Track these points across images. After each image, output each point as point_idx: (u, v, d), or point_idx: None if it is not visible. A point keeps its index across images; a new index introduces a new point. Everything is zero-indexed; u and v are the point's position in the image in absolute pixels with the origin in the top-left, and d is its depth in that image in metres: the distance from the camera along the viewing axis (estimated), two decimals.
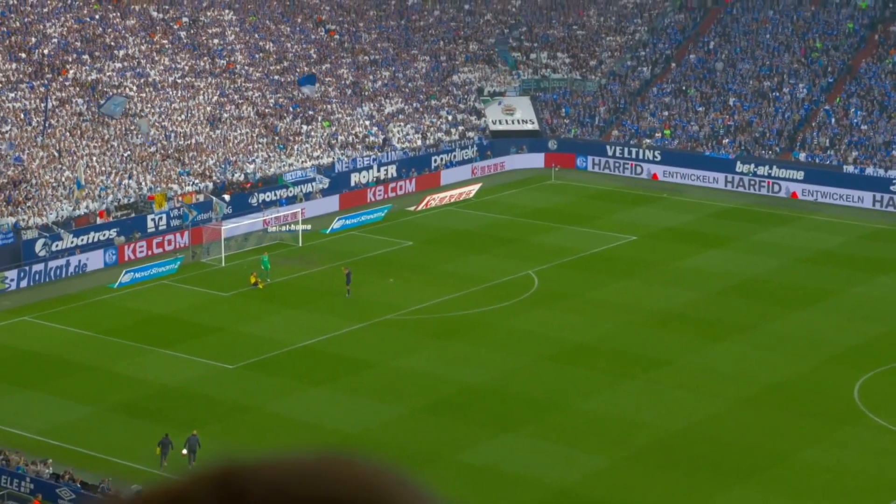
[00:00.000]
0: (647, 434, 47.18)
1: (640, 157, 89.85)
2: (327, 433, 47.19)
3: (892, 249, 71.77)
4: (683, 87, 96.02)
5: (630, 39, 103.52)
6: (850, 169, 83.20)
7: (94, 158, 75.69)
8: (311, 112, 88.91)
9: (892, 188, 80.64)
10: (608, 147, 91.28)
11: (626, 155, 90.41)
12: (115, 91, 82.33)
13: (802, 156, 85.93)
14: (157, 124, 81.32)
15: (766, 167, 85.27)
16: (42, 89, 79.53)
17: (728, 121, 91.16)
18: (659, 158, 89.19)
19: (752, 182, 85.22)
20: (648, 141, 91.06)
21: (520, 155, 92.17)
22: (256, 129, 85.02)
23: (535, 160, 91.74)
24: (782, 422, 48.27)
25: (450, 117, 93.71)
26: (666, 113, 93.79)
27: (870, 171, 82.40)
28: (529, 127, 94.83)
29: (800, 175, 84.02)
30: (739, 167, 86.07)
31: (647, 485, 43.26)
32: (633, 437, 46.91)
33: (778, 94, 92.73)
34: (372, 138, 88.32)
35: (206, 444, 45.99)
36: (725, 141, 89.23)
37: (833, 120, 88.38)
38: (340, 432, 47.29)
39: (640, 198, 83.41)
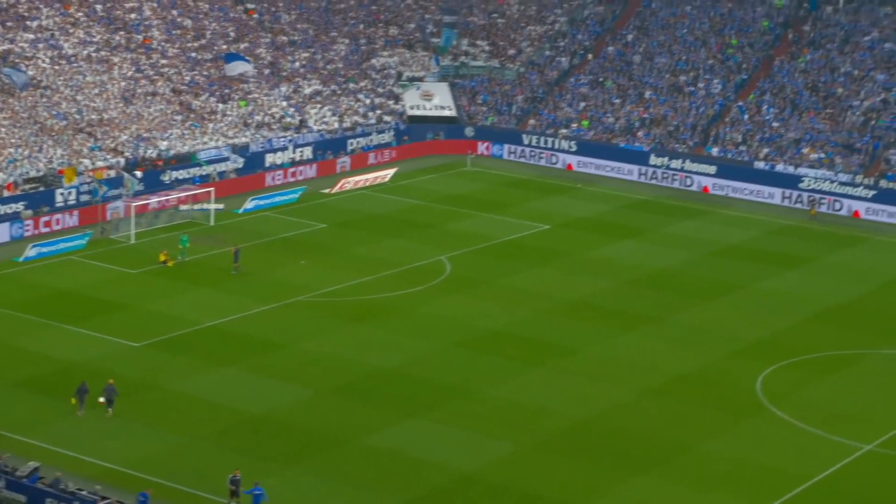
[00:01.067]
0: (553, 421, 47.38)
1: (556, 146, 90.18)
2: (233, 413, 46.88)
3: (800, 245, 72.69)
4: (601, 79, 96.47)
5: (550, 29, 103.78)
6: (760, 165, 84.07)
7: (4, 130, 74.54)
8: (227, 90, 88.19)
9: (800, 185, 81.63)
10: (525, 136, 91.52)
11: (542, 144, 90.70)
12: (26, 63, 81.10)
13: (715, 151, 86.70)
14: (69, 97, 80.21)
15: (680, 161, 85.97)
16: None
17: (643, 114, 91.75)
18: (574, 149, 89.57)
19: (666, 175, 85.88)
20: (565, 131, 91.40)
21: (437, 141, 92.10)
22: (171, 107, 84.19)
23: (453, 147, 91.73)
24: (686, 412, 48.70)
25: (368, 101, 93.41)
26: (583, 104, 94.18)
27: (780, 167, 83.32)
28: (447, 113, 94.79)
29: (712, 169, 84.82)
30: (653, 160, 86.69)
31: (551, 472, 43.43)
32: (539, 425, 47.08)
33: (693, 88, 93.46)
34: (288, 119, 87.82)
35: (108, 425, 45.55)
36: (640, 133, 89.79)
37: (746, 116, 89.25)
38: (246, 413, 46.99)
39: (555, 187, 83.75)
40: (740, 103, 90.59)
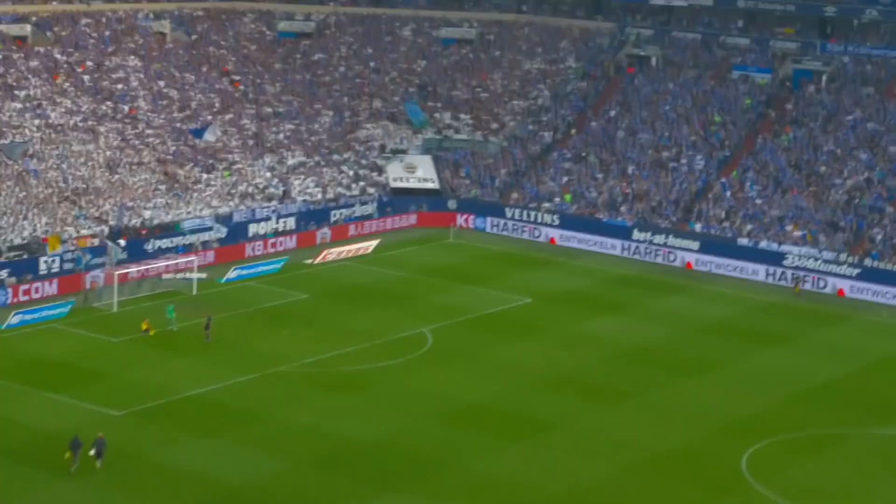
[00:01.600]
0: (533, 496, 47.16)
1: (539, 220, 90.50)
2: (212, 483, 46.61)
3: (784, 323, 72.79)
4: (584, 154, 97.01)
5: (533, 104, 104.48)
6: (744, 241, 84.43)
7: None
8: (211, 161, 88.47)
9: (784, 262, 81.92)
10: (507, 209, 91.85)
11: (524, 217, 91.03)
12: (13, 132, 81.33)
13: (698, 226, 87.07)
14: (55, 166, 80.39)
15: (663, 236, 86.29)
16: None
17: (626, 189, 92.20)
18: (557, 223, 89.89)
19: (649, 250, 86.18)
20: (548, 205, 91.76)
21: (419, 213, 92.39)
22: (156, 176, 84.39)
23: (436, 219, 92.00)
24: (669, 490, 48.50)
25: (351, 172, 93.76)
26: (566, 178, 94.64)
27: (763, 244, 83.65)
28: (430, 185, 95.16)
29: (695, 245, 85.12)
30: (636, 235, 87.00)
31: None
32: (519, 499, 46.85)
33: (676, 164, 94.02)
34: (272, 189, 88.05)
35: (87, 496, 45.26)
36: (623, 208, 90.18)
37: (729, 193, 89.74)
38: (225, 483, 46.73)
39: (538, 261, 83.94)
40: (723, 180, 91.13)
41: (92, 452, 47.35)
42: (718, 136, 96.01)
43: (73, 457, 47.11)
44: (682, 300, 76.38)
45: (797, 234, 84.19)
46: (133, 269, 71.28)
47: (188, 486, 46.33)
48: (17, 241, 72.27)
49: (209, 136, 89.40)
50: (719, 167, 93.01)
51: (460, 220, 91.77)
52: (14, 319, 63.92)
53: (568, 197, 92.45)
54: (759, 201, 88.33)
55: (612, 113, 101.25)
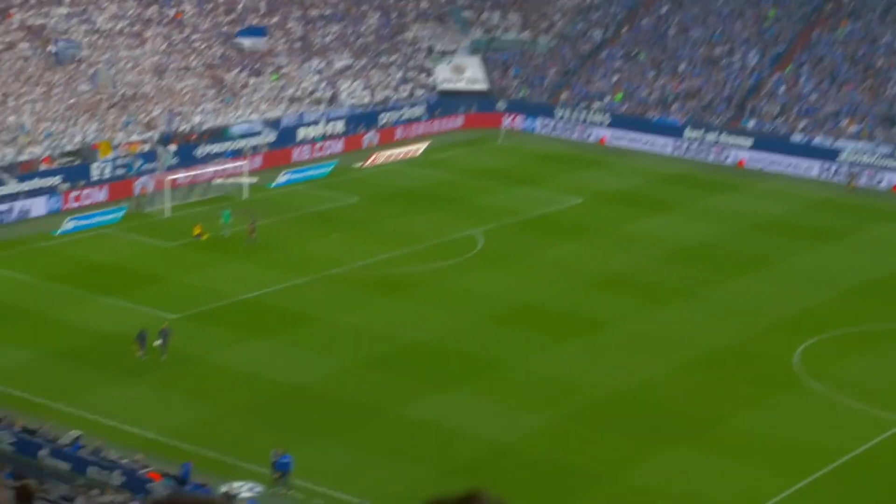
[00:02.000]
0: (586, 394, 47.37)
1: (589, 120, 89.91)
2: (268, 384, 47.07)
3: (836, 219, 72.28)
4: (634, 52, 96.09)
5: (582, 2, 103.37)
6: (798, 138, 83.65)
7: (40, 104, 74.84)
8: (258, 65, 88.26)
9: (839, 158, 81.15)
10: (557, 109, 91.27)
11: (575, 117, 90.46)
12: (61, 37, 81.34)
13: (751, 123, 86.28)
14: (103, 72, 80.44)
15: (715, 134, 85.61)
16: None
17: (678, 87, 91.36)
18: (608, 122, 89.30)
19: (701, 149, 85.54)
20: (598, 104, 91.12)
21: (469, 115, 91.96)
22: (203, 81, 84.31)
23: (485, 120, 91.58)
24: (722, 386, 48.59)
25: (399, 74, 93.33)
26: (616, 77, 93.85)
27: (818, 140, 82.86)
28: (479, 87, 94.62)
29: (748, 143, 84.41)
30: (688, 133, 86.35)
31: (585, 443, 43.46)
32: (572, 397, 47.08)
33: (728, 60, 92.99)
34: (320, 93, 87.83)
35: (148, 395, 45.83)
36: (674, 106, 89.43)
37: (783, 89, 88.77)
38: (281, 384, 47.17)
39: (588, 161, 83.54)
40: (777, 75, 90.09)
41: (158, 342, 48.79)
42: (772, 31, 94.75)
43: (140, 347, 48.70)
44: (734, 198, 75.91)
45: (852, 129, 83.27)
46: (184, 175, 71.52)
47: (244, 386, 46.81)
48: (69, 147, 72.56)
49: (258, 44, 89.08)
50: (773, 63, 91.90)
51: (509, 121, 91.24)
52: (68, 225, 64.37)
53: (619, 96, 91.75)
54: (813, 97, 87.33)
55: (664, 9, 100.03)
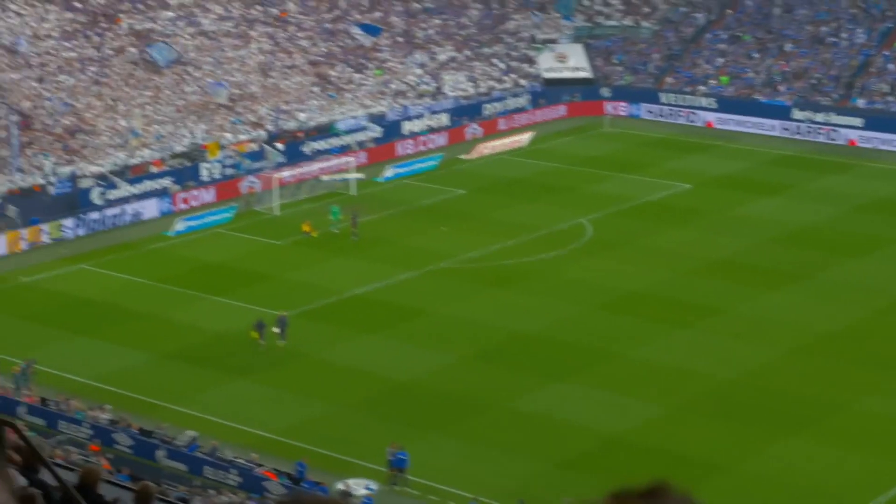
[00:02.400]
0: (699, 382, 47.01)
1: (695, 104, 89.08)
2: (379, 380, 47.33)
3: None
4: (739, 34, 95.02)
5: None
6: None
7: (149, 107, 75.97)
8: (362, 60, 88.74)
9: None
10: (662, 94, 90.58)
11: (680, 102, 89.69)
12: (167, 40, 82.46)
13: (861, 102, 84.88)
14: (210, 73, 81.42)
15: (824, 114, 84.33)
16: (97, 39, 79.77)
17: (784, 67, 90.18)
18: (714, 106, 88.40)
19: (809, 129, 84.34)
20: (703, 88, 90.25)
21: (573, 103, 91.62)
22: (308, 78, 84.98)
23: (589, 108, 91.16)
24: (838, 371, 47.93)
25: (502, 65, 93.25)
26: (721, 60, 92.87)
27: None
28: (582, 74, 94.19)
29: (858, 122, 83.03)
30: (796, 114, 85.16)
31: (700, 433, 43.15)
32: (685, 386, 46.75)
33: (836, 39, 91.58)
34: (424, 86, 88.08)
35: (261, 394, 46.33)
36: (782, 87, 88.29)
37: (892, 66, 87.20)
38: (392, 380, 47.42)
39: (695, 145, 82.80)
40: (886, 52, 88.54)
41: (276, 330, 50.32)
42: (879, 8, 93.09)
43: (259, 335, 50.19)
44: (845, 179, 74.77)
45: None
46: (291, 172, 72.11)
47: (356, 383, 47.13)
48: (178, 149, 73.58)
49: (369, 40, 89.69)
50: (881, 39, 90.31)
51: (613, 107, 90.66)
52: (180, 226, 65.27)
53: (724, 79, 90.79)
54: None
55: None
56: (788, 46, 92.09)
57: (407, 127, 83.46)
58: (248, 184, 71.45)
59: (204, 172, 72.14)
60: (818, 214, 67.55)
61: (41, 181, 67.10)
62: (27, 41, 76.74)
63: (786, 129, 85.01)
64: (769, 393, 46.16)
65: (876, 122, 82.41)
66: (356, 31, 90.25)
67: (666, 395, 46.04)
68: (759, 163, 78.51)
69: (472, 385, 46.97)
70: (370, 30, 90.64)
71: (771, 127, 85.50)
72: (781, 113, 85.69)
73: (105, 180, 68.40)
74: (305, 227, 64.53)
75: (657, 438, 42.84)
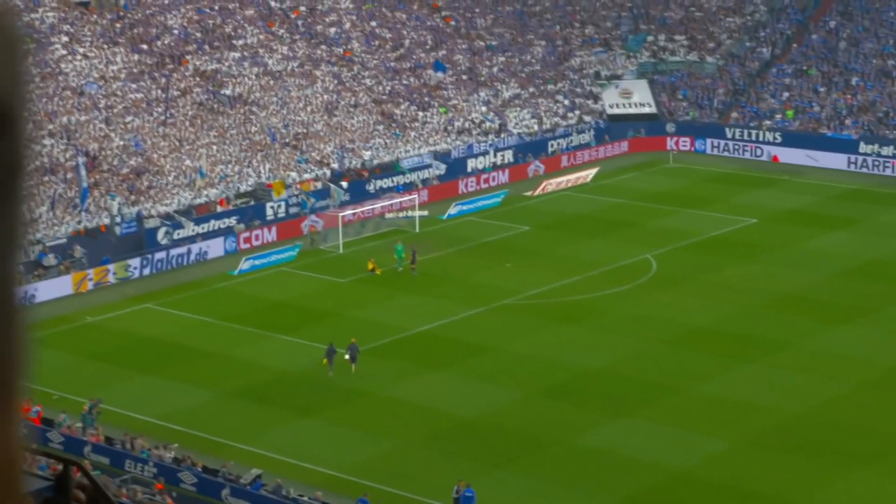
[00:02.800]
0: (766, 417, 46.57)
1: (760, 139, 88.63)
2: (443, 417, 47.26)
3: None
4: (804, 68, 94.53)
5: (749, 20, 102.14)
6: None
7: (214, 147, 76.66)
8: (427, 98, 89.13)
9: None
10: (727, 129, 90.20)
11: (745, 137, 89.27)
12: (234, 80, 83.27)
13: None
14: (275, 112, 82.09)
15: (891, 147, 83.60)
16: (163, 80, 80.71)
17: (850, 101, 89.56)
18: (779, 140, 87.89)
19: (876, 163, 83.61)
20: (768, 122, 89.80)
21: (638, 139, 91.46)
22: (373, 116, 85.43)
23: (654, 144, 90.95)
24: None
25: (566, 101, 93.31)
26: (786, 94, 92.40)
27: None
28: (647, 110, 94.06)
29: None
30: (863, 148, 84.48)
31: (767, 468, 42.71)
32: (752, 421, 46.32)
33: None
34: (488, 124, 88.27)
35: (325, 432, 46.38)
36: (848, 121, 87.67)
37: None
38: (457, 417, 47.34)
39: (761, 180, 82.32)
40: None
41: (346, 357, 51.37)
42: None
43: (329, 363, 51.23)
44: None
45: None
46: (355, 210, 72.41)
47: (421, 420, 47.09)
48: (243, 188, 74.15)
49: (438, 78, 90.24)
50: None
51: (674, 143, 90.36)
52: (245, 265, 65.67)
53: (790, 113, 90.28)
54: None
55: (833, 23, 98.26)
56: (854, 80, 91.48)
57: (471, 164, 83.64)
58: (309, 222, 71.74)
59: (269, 211, 72.60)
60: (885, 248, 66.87)
61: (107, 221, 67.81)
62: (95, 83, 77.74)
63: (852, 163, 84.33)
64: (836, 427, 45.65)
65: None
66: (433, 73, 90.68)
67: (732, 430, 45.63)
68: (825, 197, 77.91)
69: (537, 421, 46.81)
70: (438, 67, 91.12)
71: (837, 161, 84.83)
72: (848, 147, 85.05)
73: (171, 220, 69.03)
74: (370, 265, 64.69)
75: (724, 474, 42.46)
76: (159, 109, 78.26)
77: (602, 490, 41.63)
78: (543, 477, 42.53)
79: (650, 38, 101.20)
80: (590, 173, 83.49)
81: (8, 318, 1.62)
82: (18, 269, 1.64)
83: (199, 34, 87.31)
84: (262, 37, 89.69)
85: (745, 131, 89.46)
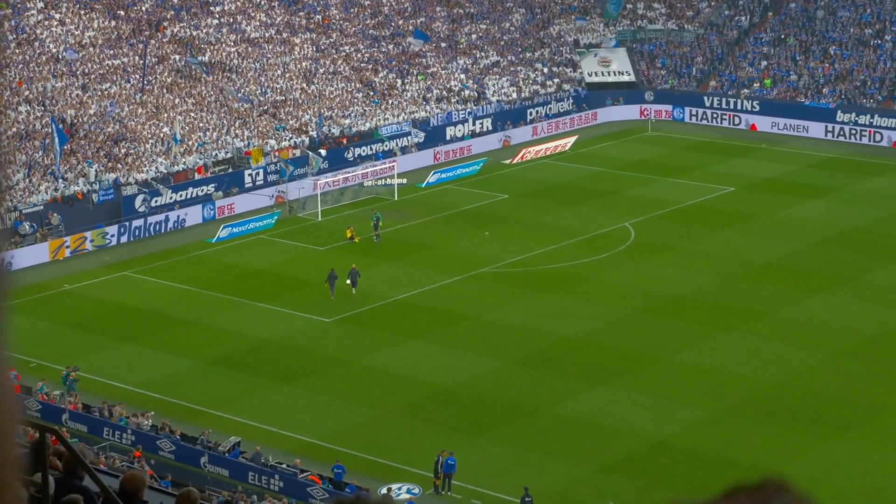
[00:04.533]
0: (744, 386, 46.77)
1: (739, 107, 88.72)
2: (423, 386, 47.34)
3: None
4: (782, 36, 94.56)
5: None
6: None
7: (192, 114, 76.33)
8: (406, 66, 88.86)
9: None
10: (706, 98, 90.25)
11: (723, 105, 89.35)
12: (211, 48, 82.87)
13: None
14: (253, 80, 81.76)
15: (868, 116, 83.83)
16: (140, 47, 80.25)
17: (828, 69, 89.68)
18: (757, 108, 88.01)
19: (853, 131, 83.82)
20: (747, 91, 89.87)
21: (616, 107, 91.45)
22: (352, 84, 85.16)
23: (631, 112, 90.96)
24: (883, 373, 47.60)
25: (545, 70, 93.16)
26: (764, 63, 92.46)
27: None
28: (626, 78, 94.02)
29: None
30: (840, 116, 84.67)
31: (745, 437, 42.92)
32: (730, 390, 46.53)
33: (880, 41, 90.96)
34: (467, 92, 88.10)
35: (304, 400, 46.38)
36: (825, 90, 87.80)
37: None
38: (436, 385, 47.41)
39: (739, 149, 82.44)
40: None
41: (347, 282, 55.55)
42: None
43: (330, 287, 55.03)
44: (890, 181, 74.24)
45: None
46: (334, 178, 72.26)
47: (400, 388, 47.14)
48: (221, 155, 73.89)
49: (416, 43, 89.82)
50: None
51: (655, 111, 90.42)
52: (223, 233, 65.49)
53: (768, 82, 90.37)
54: None
55: None
56: (832, 49, 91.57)
57: (450, 132, 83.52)
58: (276, 191, 71.06)
59: (247, 179, 72.39)
60: (863, 217, 67.13)
61: (84, 189, 67.50)
62: (73, 49, 77.25)
63: (829, 132, 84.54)
64: (813, 396, 45.90)
65: None
66: (410, 38, 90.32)
67: (710, 398, 45.82)
68: (803, 166, 78.12)
69: (517, 389, 46.90)
70: (421, 36, 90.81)
71: (815, 129, 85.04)
72: (825, 115, 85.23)
73: (148, 188, 68.78)
74: (349, 233, 64.61)
75: (702, 442, 42.66)
76: (136, 76, 77.84)
77: (581, 458, 41.78)
78: (523, 445, 42.65)
79: (629, 7, 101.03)
80: (568, 141, 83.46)
81: None
82: None
83: (176, 1, 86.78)
84: (239, 3, 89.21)
85: (724, 100, 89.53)
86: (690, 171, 76.73)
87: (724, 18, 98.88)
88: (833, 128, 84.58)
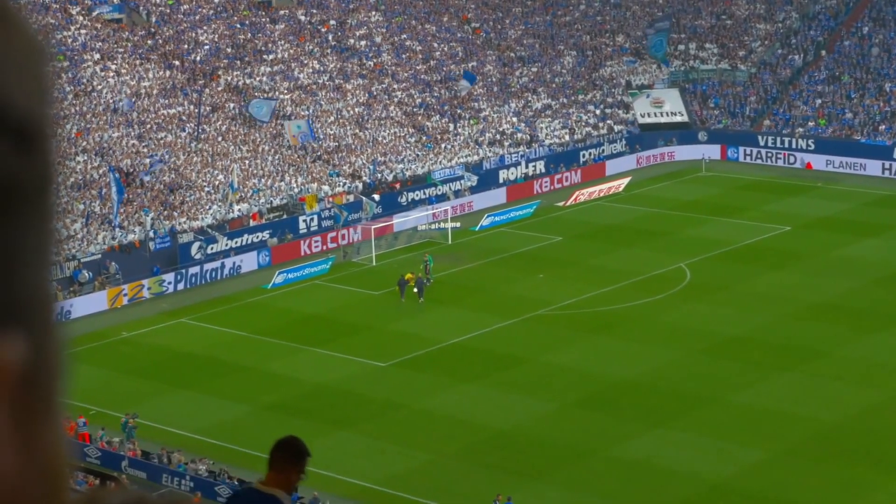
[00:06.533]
0: (803, 427, 46.30)
1: (793, 146, 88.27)
2: (478, 429, 47.18)
3: None
4: (836, 74, 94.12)
5: (780, 27, 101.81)
6: None
7: (246, 162, 76.86)
8: (458, 110, 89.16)
9: None
10: (759, 137, 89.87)
11: (778, 144, 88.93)
12: (265, 95, 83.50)
13: None
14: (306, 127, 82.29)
15: None
16: (195, 95, 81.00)
17: (884, 107, 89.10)
18: (812, 147, 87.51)
19: None
20: (801, 130, 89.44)
21: (669, 147, 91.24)
22: (404, 129, 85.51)
23: (686, 152, 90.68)
24: None
25: (597, 111, 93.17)
26: (819, 101, 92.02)
27: None
28: (678, 119, 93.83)
29: None
30: None
31: (804, 478, 42.47)
32: (789, 430, 46.08)
33: None
34: (519, 135, 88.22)
35: (360, 444, 46.35)
36: (882, 127, 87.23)
37: None
38: (492, 428, 47.25)
39: (794, 187, 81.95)
40: None
41: (415, 290, 60.00)
42: None
43: (400, 291, 60.22)
44: None
45: None
46: (388, 223, 72.43)
47: (456, 432, 47.02)
48: (276, 202, 74.30)
49: (466, 85, 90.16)
50: None
51: (709, 151, 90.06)
52: (278, 279, 65.75)
53: (822, 121, 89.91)
54: None
55: (865, 29, 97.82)
56: (888, 86, 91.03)
57: (503, 175, 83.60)
58: (337, 235, 71.44)
59: (301, 224, 72.72)
60: None
61: (140, 237, 68.04)
62: (128, 99, 78.10)
63: (886, 169, 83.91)
64: (875, 435, 45.36)
65: None
66: (462, 81, 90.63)
67: (769, 439, 45.40)
68: (860, 204, 77.51)
69: (573, 432, 46.68)
70: (469, 77, 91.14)
71: (872, 167, 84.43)
72: (882, 153, 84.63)
73: (204, 235, 69.23)
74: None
75: (761, 484, 42.23)
76: (192, 125, 78.54)
77: (639, 501, 41.48)
78: (580, 488, 42.40)
79: (681, 47, 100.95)
80: (622, 183, 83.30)
81: (45, 334, 1.61)
82: (53, 286, 1.63)
83: (229, 49, 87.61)
84: (292, 51, 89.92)
85: (778, 139, 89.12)
86: (745, 211, 76.34)
87: (778, 57, 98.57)
88: (890, 165, 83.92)
